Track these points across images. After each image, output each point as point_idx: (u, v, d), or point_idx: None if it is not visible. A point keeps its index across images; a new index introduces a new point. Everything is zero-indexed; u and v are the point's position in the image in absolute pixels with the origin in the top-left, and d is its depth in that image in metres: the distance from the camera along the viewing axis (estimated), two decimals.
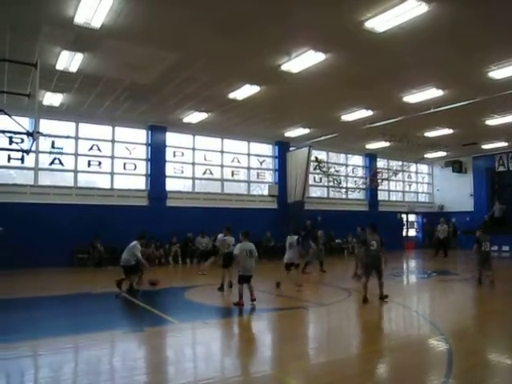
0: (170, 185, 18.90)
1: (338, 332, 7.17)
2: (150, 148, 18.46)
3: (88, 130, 17.23)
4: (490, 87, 12.95)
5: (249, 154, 21.19)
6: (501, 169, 25.43)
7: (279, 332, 7.39)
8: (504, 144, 22.89)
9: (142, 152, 18.40)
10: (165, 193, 18.50)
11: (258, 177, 21.66)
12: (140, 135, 18.38)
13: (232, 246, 10.78)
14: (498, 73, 12.03)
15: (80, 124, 17.00)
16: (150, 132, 18.41)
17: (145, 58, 10.93)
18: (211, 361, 5.63)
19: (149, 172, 18.42)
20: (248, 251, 9.38)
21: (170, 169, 18.94)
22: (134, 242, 10.77)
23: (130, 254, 10.51)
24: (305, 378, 4.91)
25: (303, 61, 10.92)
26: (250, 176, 21.34)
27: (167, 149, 18.82)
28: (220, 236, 12.16)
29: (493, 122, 17.70)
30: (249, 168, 21.24)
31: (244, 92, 13.55)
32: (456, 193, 27.34)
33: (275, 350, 6.32)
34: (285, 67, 11.37)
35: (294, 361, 5.54)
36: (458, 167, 27.12)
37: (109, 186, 17.63)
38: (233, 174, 20.76)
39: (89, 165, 17.25)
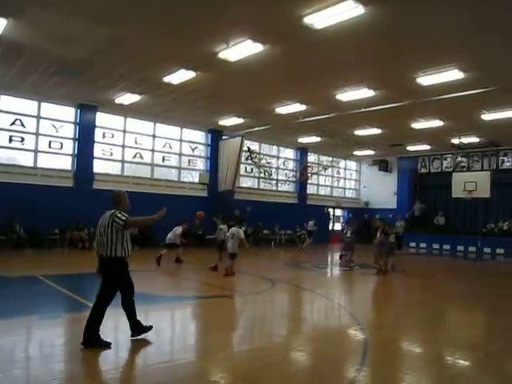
0: (98, 167, 18.25)
1: (261, 321, 7.26)
2: (78, 127, 17.69)
3: (11, 103, 16.20)
4: (417, 92, 13.56)
5: (181, 140, 20.90)
6: (423, 170, 26.90)
7: (203, 320, 7.37)
8: (427, 147, 24.17)
9: (69, 131, 17.59)
10: (92, 174, 17.84)
11: (189, 164, 21.41)
12: (68, 113, 17.55)
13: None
14: (425, 79, 12.64)
15: (2, 96, 15.97)
16: (79, 110, 17.63)
17: (75, 30, 10.29)
18: (133, 348, 5.50)
19: (76, 152, 17.65)
20: (232, 234, 11.32)
21: (98, 150, 18.29)
22: (177, 227, 13.83)
23: (173, 235, 13.56)
24: (227, 366, 4.92)
25: (241, 50, 10.87)
26: (181, 162, 21.05)
27: (96, 129, 18.14)
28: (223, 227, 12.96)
29: (418, 125, 18.59)
30: (180, 154, 20.95)
31: (179, 76, 13.28)
32: (381, 190, 28.60)
33: (199, 338, 6.30)
34: (222, 55, 11.26)
35: (217, 349, 5.55)
36: (384, 166, 28.35)
37: (32, 165, 16.73)
38: (164, 160, 20.40)
39: (10, 140, 16.27)
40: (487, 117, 16.65)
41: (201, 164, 21.89)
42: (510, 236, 22.69)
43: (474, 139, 21.44)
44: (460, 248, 23.86)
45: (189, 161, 21.39)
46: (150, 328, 5.65)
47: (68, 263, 12.38)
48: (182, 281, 10.80)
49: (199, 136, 21.78)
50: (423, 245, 24.55)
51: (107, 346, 5.16)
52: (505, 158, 23.50)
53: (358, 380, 4.51)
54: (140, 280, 10.35)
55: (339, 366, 5.05)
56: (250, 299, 8.99)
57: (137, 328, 5.55)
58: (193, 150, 21.47)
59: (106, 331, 5.36)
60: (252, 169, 23.69)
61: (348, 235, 15.00)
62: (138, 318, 5.60)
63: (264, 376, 4.67)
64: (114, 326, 6.27)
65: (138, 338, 5.50)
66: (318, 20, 9.13)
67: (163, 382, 4.29)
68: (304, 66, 12.20)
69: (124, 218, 5.46)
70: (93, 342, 5.13)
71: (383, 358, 5.44)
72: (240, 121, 19.27)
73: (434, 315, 8.32)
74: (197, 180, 21.51)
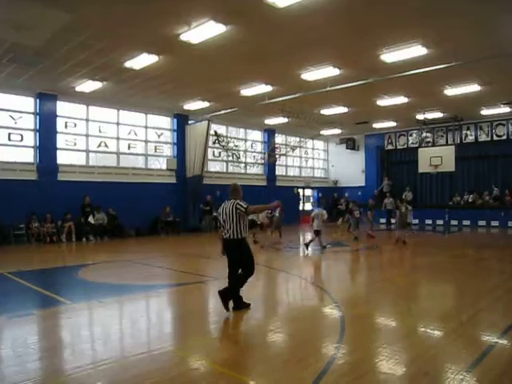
0: (62, 158, 17.69)
1: None
2: (38, 117, 17.03)
3: None
4: (381, 69, 13.59)
5: (146, 127, 20.48)
6: (389, 147, 27.25)
7: (179, 308, 7.30)
8: (392, 124, 24.47)
9: (29, 122, 16.94)
10: (56, 166, 17.30)
11: (155, 150, 21.01)
12: (27, 103, 16.86)
13: None
14: (389, 56, 12.66)
15: None
16: (38, 100, 16.95)
17: (31, 16, 9.82)
18: (109, 341, 5.40)
19: (37, 144, 17.06)
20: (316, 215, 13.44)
21: (61, 141, 17.69)
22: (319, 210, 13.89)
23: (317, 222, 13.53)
24: (205, 352, 4.87)
25: (203, 31, 10.61)
26: (147, 149, 20.65)
27: (58, 119, 17.53)
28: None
29: (383, 102, 18.74)
30: (146, 141, 20.54)
31: (141, 61, 12.90)
32: (349, 169, 28.92)
33: (175, 327, 6.24)
34: (184, 37, 10.98)
35: (194, 335, 5.50)
36: (351, 144, 28.62)
37: None
38: (129, 147, 19.94)
39: None
40: (450, 92, 16.91)
41: (168, 150, 21.54)
42: (475, 208, 23.34)
43: (438, 114, 21.80)
44: (428, 222, 24.40)
45: (155, 147, 20.99)
46: (248, 305, 6.60)
47: (36, 258, 12.06)
48: (154, 269, 10.67)
49: (165, 122, 21.38)
50: (393, 220, 24.93)
51: (249, 306, 6.56)
52: (468, 132, 23.99)
53: (336, 358, 4.53)
54: (112, 271, 10.27)
55: (317, 345, 5.07)
56: (223, 284, 8.91)
57: (237, 302, 6.52)
58: (159, 136, 21.08)
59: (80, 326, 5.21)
60: (220, 153, 23.46)
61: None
62: (114, 309, 5.50)
63: (243, 360, 4.65)
64: (89, 322, 6.14)
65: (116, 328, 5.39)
66: None
67: (140, 374, 4.20)
68: (268, 46, 12.05)
69: (245, 206, 6.54)
70: (241, 305, 6.49)
71: (360, 334, 5.51)
72: (206, 104, 18.99)
73: (408, 289, 8.49)
74: (164, 167, 21.19)
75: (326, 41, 11.69)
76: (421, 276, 9.96)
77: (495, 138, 23.21)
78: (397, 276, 9.75)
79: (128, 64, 13.18)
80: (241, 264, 6.54)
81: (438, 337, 5.35)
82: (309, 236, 16.64)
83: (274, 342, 5.29)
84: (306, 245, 13.63)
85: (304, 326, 5.88)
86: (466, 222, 23.18)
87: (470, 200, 23.98)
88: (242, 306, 6.52)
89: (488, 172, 24.66)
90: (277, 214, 15.93)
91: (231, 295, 6.47)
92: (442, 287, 8.83)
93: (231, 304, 6.44)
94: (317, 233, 13.61)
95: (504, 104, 19.77)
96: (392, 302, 7.45)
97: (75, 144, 18.19)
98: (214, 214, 12.70)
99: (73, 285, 8.92)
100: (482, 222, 22.93)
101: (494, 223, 22.50)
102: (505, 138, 22.93)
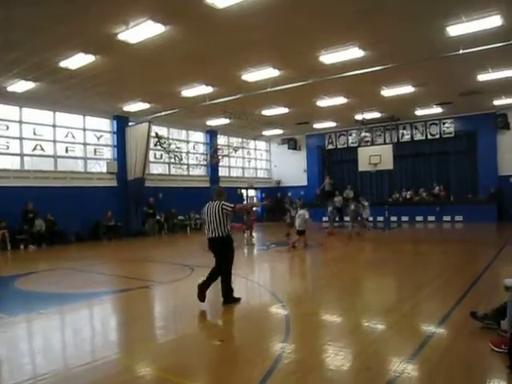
0: None
1: (183, 309, 7.11)
2: None
3: None
4: (320, 71, 13.88)
5: (84, 129, 19.85)
6: (330, 147, 27.84)
7: (123, 315, 7.10)
8: (332, 124, 25.05)
9: None
10: None
11: (95, 153, 20.40)
12: None
13: None
14: (328, 58, 12.98)
15: None
16: None
17: None
18: (50, 353, 5.15)
19: None
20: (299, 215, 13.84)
21: None
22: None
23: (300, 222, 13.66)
24: (151, 359, 4.76)
25: (141, 31, 10.43)
26: (86, 152, 20.02)
27: None
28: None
29: (323, 103, 19.12)
30: (85, 144, 19.91)
31: (77, 61, 12.48)
32: (291, 168, 29.31)
33: (120, 334, 6.06)
34: (122, 37, 10.74)
35: (139, 343, 5.36)
36: (293, 144, 29.01)
37: None
38: (67, 150, 19.24)
39: None
40: (386, 93, 17.51)
41: (108, 153, 20.97)
42: (413, 204, 24.30)
43: (376, 115, 22.55)
44: (370, 218, 25.07)
45: (95, 150, 20.36)
46: (238, 300, 7.00)
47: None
48: (97, 276, 10.35)
49: (104, 123, 20.79)
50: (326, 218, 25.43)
51: (239, 300, 6.97)
52: (404, 132, 24.94)
53: (283, 357, 4.55)
54: (52, 280, 9.86)
55: (264, 346, 5.06)
56: (168, 288, 8.81)
57: (228, 297, 6.92)
58: (98, 138, 20.48)
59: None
60: (162, 155, 23.09)
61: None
62: (55, 320, 5.27)
63: (189, 365, 4.58)
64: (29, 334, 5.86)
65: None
66: None
67: None
68: (208, 46, 12.00)
69: (232, 205, 7.08)
70: (231, 299, 6.89)
71: (306, 332, 5.56)
72: (146, 106, 18.66)
73: (352, 284, 8.67)
74: (105, 170, 20.61)
75: (265, 42, 11.78)
76: (364, 271, 10.21)
77: (429, 136, 24.28)
78: (341, 272, 9.93)
79: (63, 64, 12.70)
80: (219, 260, 6.98)
81: (381, 330, 5.49)
82: (254, 236, 16.74)
83: (221, 344, 5.25)
84: (293, 246, 13.67)
85: (250, 327, 5.88)
86: (405, 218, 24.03)
87: (408, 196, 24.97)
88: (231, 300, 6.92)
89: (423, 169, 25.80)
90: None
91: (225, 294, 6.93)
92: (384, 282, 9.10)
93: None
94: (300, 232, 13.64)
95: (436, 104, 20.71)
96: (337, 298, 7.58)
97: (8, 147, 17.33)
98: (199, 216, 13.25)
99: (9, 296, 8.46)
100: (419, 218, 23.83)
101: (431, 218, 23.46)
102: (438, 136, 24.03)
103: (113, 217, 19.46)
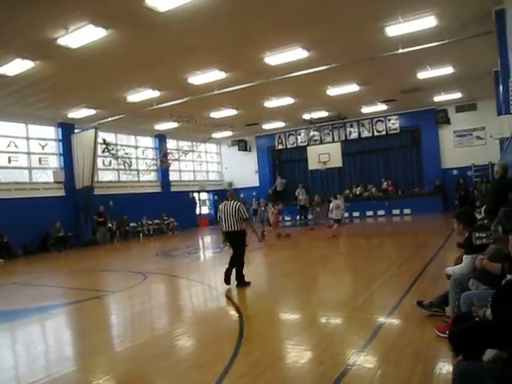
0: None
1: (138, 316, 7.03)
2: None
3: None
4: (266, 72, 13.99)
5: (28, 138, 19.16)
6: (280, 147, 28.10)
7: (76, 327, 6.89)
8: (281, 124, 25.29)
9: None
10: None
11: (40, 162, 19.68)
12: None
13: None
14: (273, 59, 13.08)
15: None
16: None
17: None
18: (0, 372, 4.95)
19: None
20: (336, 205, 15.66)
21: None
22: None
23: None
24: (106, 369, 4.66)
25: (82, 36, 10.15)
26: (31, 162, 19.32)
27: None
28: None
29: (270, 103, 19.27)
30: (29, 153, 19.22)
31: (15, 67, 11.94)
32: (243, 170, 29.35)
33: (74, 347, 5.89)
34: (62, 41, 10.41)
35: (94, 354, 5.23)
36: (243, 146, 29.10)
37: None
38: (10, 161, 18.46)
39: None
40: (332, 92, 17.84)
41: (54, 162, 20.32)
42: (363, 200, 24.88)
43: (324, 113, 22.95)
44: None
45: (40, 159, 19.67)
46: (249, 283, 8.28)
47: None
48: (45, 289, 10.03)
49: (49, 132, 20.11)
50: (288, 218, 25.71)
51: (249, 284, 8.26)
52: (351, 129, 25.49)
53: (236, 358, 4.56)
54: (0, 295, 9.48)
55: (217, 349, 5.03)
56: (122, 296, 8.65)
57: (240, 281, 8.28)
58: (43, 147, 19.78)
59: None
60: (111, 161, 22.55)
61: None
62: (3, 337, 5.06)
63: (144, 373, 4.51)
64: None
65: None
66: (160, 2, 8.90)
67: None
68: (152, 50, 11.86)
69: (247, 216, 8.48)
70: (243, 283, 8.25)
71: (259, 332, 5.59)
72: (91, 112, 18.21)
73: (306, 281, 8.78)
74: (52, 179, 19.95)
75: (210, 45, 11.76)
76: (318, 268, 10.36)
77: (376, 133, 24.92)
78: (295, 270, 10.03)
79: (0, 70, 12.19)
80: (235, 249, 8.41)
81: (334, 325, 5.61)
82: (208, 239, 16.69)
83: (175, 350, 5.20)
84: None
85: (203, 331, 5.87)
86: (356, 214, 24.55)
87: (358, 192, 25.53)
88: (243, 284, 8.24)
89: (372, 165, 26.47)
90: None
91: (238, 279, 8.27)
92: (337, 276, 9.28)
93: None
94: (337, 221, 15.60)
95: (381, 102, 21.29)
96: (291, 296, 7.65)
97: None
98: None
99: None
100: (369, 213, 24.42)
101: (381, 212, 24.08)
102: (384, 133, 24.71)
103: (62, 227, 18.87)
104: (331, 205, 15.90)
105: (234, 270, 8.30)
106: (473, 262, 4.47)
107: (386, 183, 25.09)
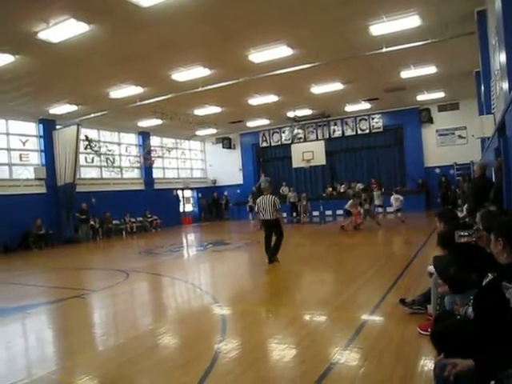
0: None
1: (120, 315, 6.95)
2: None
3: None
4: (250, 69, 13.94)
5: (8, 134, 18.86)
6: (264, 144, 28.11)
7: (57, 327, 6.77)
8: (266, 122, 25.25)
9: None
10: None
11: (21, 159, 19.41)
12: None
13: None
14: (257, 56, 13.04)
15: None
16: None
17: None
18: None
19: None
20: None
21: None
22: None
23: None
24: (88, 369, 4.59)
25: (64, 30, 9.97)
26: (11, 158, 19.04)
27: None
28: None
29: (255, 101, 19.23)
30: (9, 149, 18.94)
31: None
32: (227, 167, 29.29)
33: (56, 347, 5.78)
34: (43, 35, 10.21)
35: (76, 353, 5.14)
36: (227, 143, 29.03)
37: None
38: None
39: None
40: (316, 90, 17.87)
41: (35, 158, 20.04)
42: (347, 197, 24.88)
43: (308, 111, 22.99)
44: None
45: (20, 156, 19.39)
46: (278, 261, 10.15)
47: None
48: (25, 288, 9.87)
49: (30, 128, 19.83)
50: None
51: (278, 261, 10.17)
52: (335, 128, 25.59)
53: (219, 357, 4.53)
54: None
55: (200, 348, 4.98)
56: (103, 295, 8.55)
57: (275, 255, 10.14)
58: (24, 143, 19.51)
59: None
60: (93, 158, 22.30)
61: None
62: None
63: (126, 373, 4.45)
64: None
65: None
66: None
67: None
68: (135, 46, 11.72)
69: (280, 207, 10.13)
70: (276, 257, 10.16)
71: (242, 331, 5.57)
72: (73, 108, 17.96)
73: (290, 280, 8.78)
74: (32, 176, 19.66)
75: (194, 41, 11.66)
76: (302, 266, 10.34)
77: (359, 132, 25.06)
78: (279, 268, 10.02)
79: None
80: (276, 234, 10.12)
81: (316, 323, 5.61)
82: (192, 237, 16.61)
83: (157, 349, 5.14)
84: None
85: (186, 330, 5.83)
86: (340, 211, 24.60)
87: (342, 190, 25.58)
88: (276, 258, 10.16)
89: (355, 164, 26.58)
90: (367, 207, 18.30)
91: (273, 253, 10.10)
92: (320, 275, 9.30)
93: None
94: (398, 211, 17.87)
95: (365, 100, 21.39)
96: (274, 294, 7.66)
97: None
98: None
99: None
100: None
101: None
102: (367, 131, 24.86)
103: (43, 225, 18.62)
104: (391, 198, 18.40)
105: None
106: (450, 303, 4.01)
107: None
